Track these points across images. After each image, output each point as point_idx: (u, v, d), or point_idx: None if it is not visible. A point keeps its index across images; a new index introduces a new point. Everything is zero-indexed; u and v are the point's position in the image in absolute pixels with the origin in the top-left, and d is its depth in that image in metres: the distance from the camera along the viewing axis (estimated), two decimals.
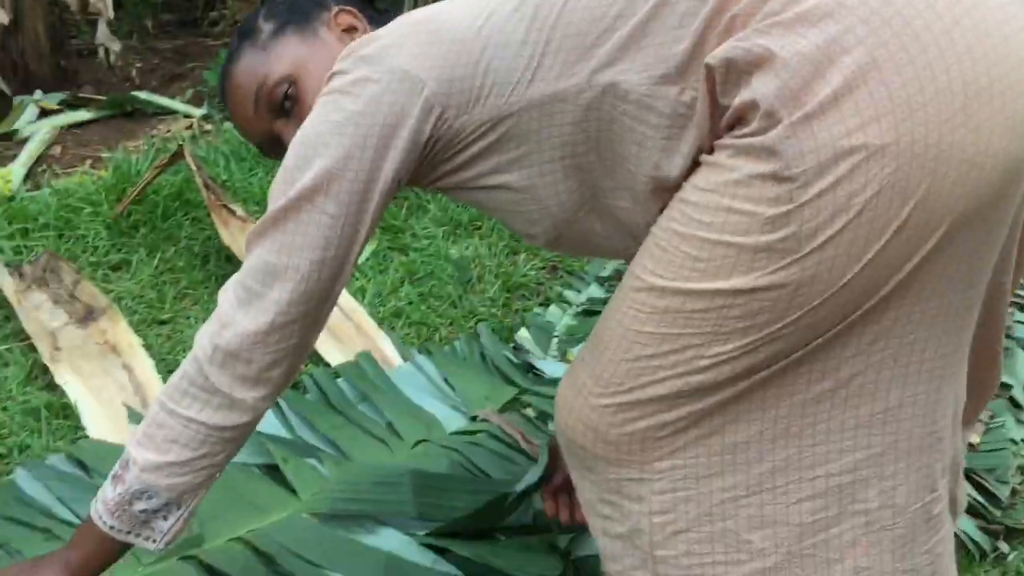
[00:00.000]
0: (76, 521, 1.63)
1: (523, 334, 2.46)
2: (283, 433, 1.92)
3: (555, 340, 2.42)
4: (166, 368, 2.22)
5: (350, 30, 1.30)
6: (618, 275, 2.72)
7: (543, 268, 2.78)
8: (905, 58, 0.95)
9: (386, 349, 2.33)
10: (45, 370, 2.18)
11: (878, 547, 1.14)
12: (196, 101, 4.42)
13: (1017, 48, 0.98)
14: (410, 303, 2.56)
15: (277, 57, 1.29)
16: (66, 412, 2.05)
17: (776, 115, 0.97)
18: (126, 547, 1.25)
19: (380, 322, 2.46)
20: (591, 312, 2.52)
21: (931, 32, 0.95)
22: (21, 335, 2.32)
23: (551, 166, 1.18)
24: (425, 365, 2.20)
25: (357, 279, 2.68)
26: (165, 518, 1.22)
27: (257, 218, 2.87)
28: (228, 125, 4.03)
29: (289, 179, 1.14)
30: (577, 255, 1.23)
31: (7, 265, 2.52)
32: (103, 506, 1.22)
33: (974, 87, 0.95)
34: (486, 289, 2.65)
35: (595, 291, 2.65)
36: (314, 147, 1.14)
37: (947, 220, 0.98)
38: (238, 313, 1.16)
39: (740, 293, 1.03)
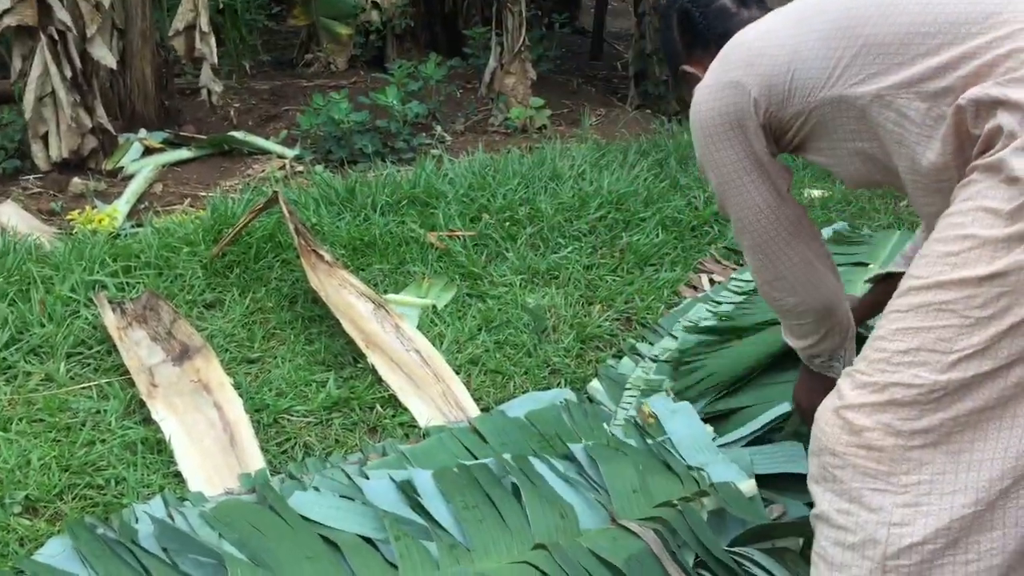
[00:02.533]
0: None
1: (595, 385, 2.51)
2: (406, 508, 1.90)
3: (626, 392, 2.47)
4: (253, 407, 2.34)
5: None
6: (694, 326, 2.75)
7: (617, 319, 2.84)
8: None
9: (461, 396, 2.41)
10: (142, 405, 2.31)
11: None
12: (289, 142, 4.61)
13: None
14: (486, 351, 2.64)
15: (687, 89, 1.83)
16: (160, 447, 2.18)
17: (1015, 135, 1.24)
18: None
19: (457, 369, 2.54)
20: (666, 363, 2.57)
21: None
22: (121, 370, 2.47)
23: (847, 149, 1.56)
24: (578, 452, 2.07)
25: (435, 324, 2.77)
26: (839, 361, 1.84)
27: (343, 262, 3.00)
28: (319, 168, 4.20)
29: (711, 182, 1.75)
30: None
31: (110, 301, 2.69)
32: (800, 355, 1.91)
33: None
34: (560, 339, 2.71)
35: (668, 343, 2.69)
36: (707, 153, 1.70)
37: None
38: (747, 258, 1.80)
39: (983, 280, 1.21)
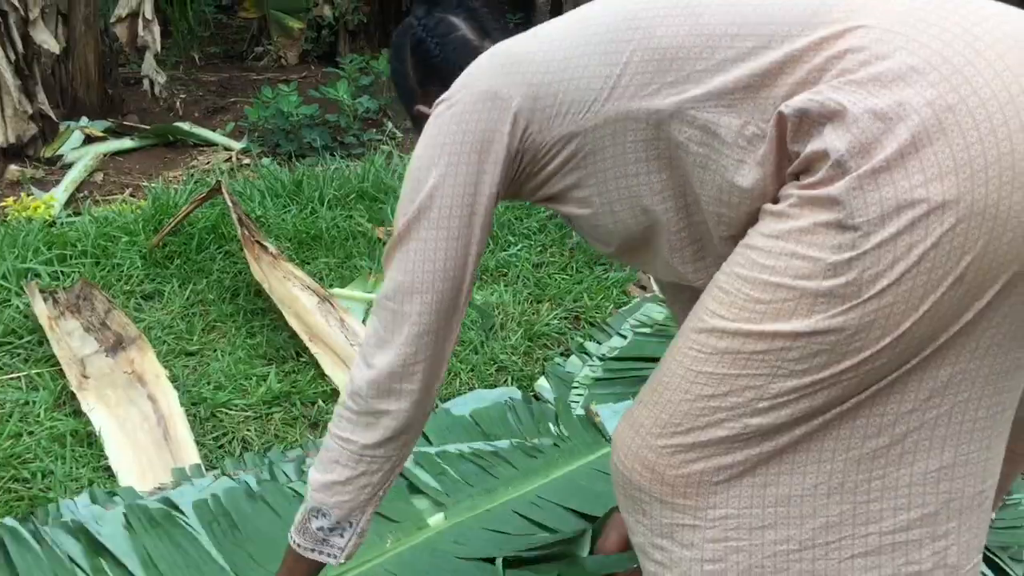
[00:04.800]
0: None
1: (542, 383, 2.48)
2: None
3: (574, 390, 2.44)
4: (190, 400, 2.27)
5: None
6: (641, 325, 2.74)
7: (566, 318, 2.80)
8: (970, 123, 1.00)
9: None
10: (73, 396, 2.23)
11: None
12: (236, 134, 4.52)
13: None
14: None
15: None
16: (90, 440, 2.09)
17: (845, 166, 1.02)
18: (319, 565, 1.41)
19: None
20: (614, 366, 2.55)
21: (998, 101, 1.00)
22: (51, 360, 2.37)
23: (622, 188, 1.26)
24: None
25: None
26: (341, 535, 1.39)
27: (288, 254, 2.93)
28: (266, 160, 4.12)
29: (406, 202, 1.30)
30: (648, 272, 1.35)
31: (42, 290, 2.59)
32: (293, 527, 1.41)
33: None
34: (508, 337, 2.67)
35: (617, 343, 2.67)
36: (423, 170, 1.29)
37: (1002, 277, 1.03)
38: (380, 330, 1.31)
39: (800, 336, 1.06)
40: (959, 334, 1.05)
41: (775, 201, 1.12)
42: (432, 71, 1.47)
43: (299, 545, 1.39)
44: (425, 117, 1.36)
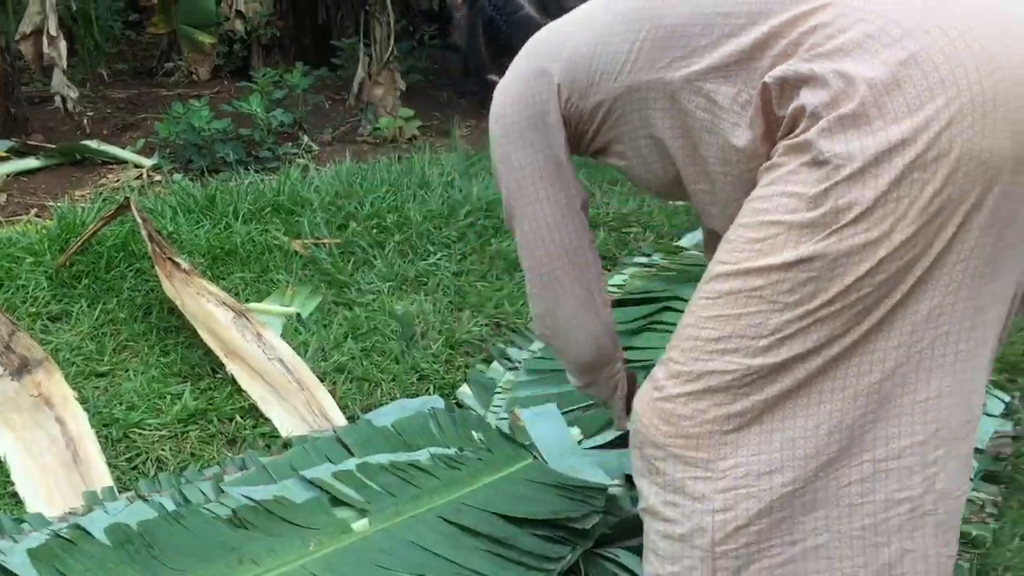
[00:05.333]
0: None
1: (464, 390, 2.47)
2: None
3: (496, 395, 2.44)
4: (101, 422, 2.20)
5: None
6: None
7: (486, 325, 2.80)
8: (920, 74, 1.16)
9: (325, 405, 2.33)
10: None
11: (922, 531, 1.26)
12: (147, 151, 4.42)
13: (1017, 64, 1.16)
14: (352, 358, 2.56)
15: None
16: None
17: (818, 116, 1.20)
18: None
19: (322, 377, 2.46)
20: (534, 365, 2.55)
21: (944, 54, 1.16)
22: None
23: (646, 141, 1.47)
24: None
25: (300, 333, 2.68)
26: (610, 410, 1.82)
27: (202, 270, 2.87)
28: (178, 176, 4.04)
29: (498, 186, 1.60)
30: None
31: None
32: None
33: (980, 98, 1.14)
34: (429, 345, 2.65)
35: (537, 347, 2.67)
36: (503, 147, 1.57)
37: (962, 208, 1.17)
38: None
39: (790, 266, 1.20)
40: (933, 267, 1.19)
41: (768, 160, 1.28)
42: (502, 47, 1.72)
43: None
44: (494, 84, 1.62)
